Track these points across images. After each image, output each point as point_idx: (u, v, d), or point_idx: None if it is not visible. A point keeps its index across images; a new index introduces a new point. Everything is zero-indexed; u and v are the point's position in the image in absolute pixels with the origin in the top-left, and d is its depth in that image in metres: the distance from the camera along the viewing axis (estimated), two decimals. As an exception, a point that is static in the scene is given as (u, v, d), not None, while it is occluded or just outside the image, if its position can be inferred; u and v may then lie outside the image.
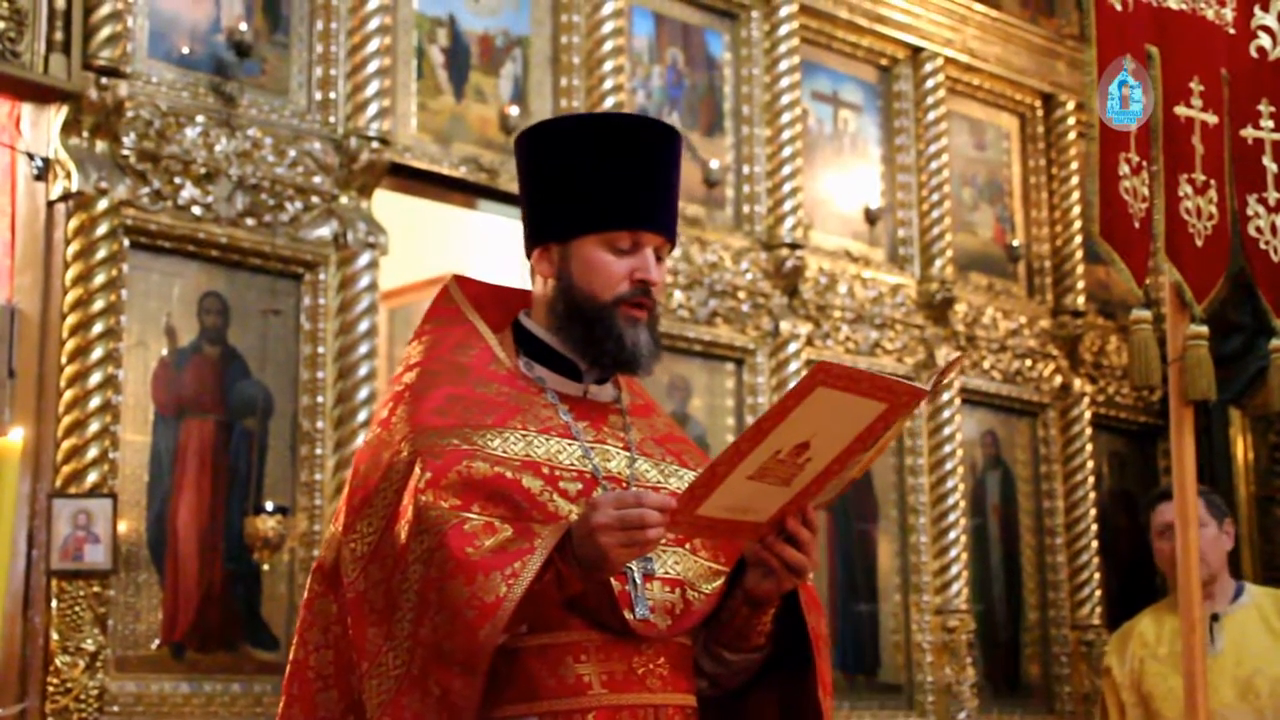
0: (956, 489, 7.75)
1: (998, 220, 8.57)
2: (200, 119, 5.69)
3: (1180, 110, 3.51)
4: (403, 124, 6.27)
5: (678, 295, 6.98)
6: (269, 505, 5.58)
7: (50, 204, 5.35)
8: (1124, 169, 3.35)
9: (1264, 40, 3.68)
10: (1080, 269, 8.63)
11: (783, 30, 7.45)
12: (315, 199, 5.93)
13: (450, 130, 6.43)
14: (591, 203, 2.46)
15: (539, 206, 2.54)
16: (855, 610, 7.53)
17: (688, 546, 2.46)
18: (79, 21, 5.37)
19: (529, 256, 2.55)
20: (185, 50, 5.76)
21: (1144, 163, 3.41)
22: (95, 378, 5.26)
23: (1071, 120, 8.72)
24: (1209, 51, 3.58)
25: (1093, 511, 8.40)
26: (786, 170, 7.36)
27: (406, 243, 6.56)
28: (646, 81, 7.14)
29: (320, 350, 5.88)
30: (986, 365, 8.20)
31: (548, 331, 2.52)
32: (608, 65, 6.75)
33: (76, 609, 5.15)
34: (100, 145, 5.43)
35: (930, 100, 8.07)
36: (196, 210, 5.64)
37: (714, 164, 7.24)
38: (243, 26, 5.84)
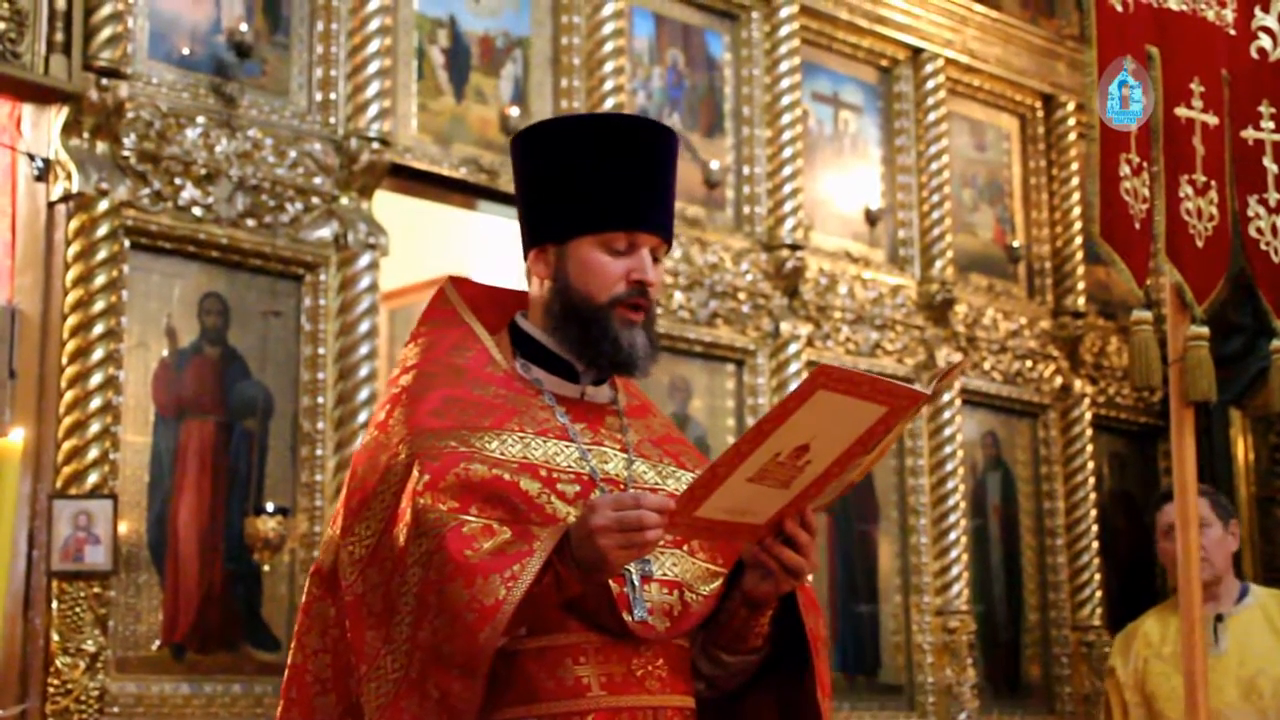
0: (957, 490, 7.75)
1: (998, 221, 8.57)
2: (201, 120, 5.69)
3: (1181, 111, 3.51)
4: (403, 125, 6.28)
5: (678, 296, 6.98)
6: (269, 506, 5.59)
7: (51, 205, 5.35)
8: (1124, 170, 3.35)
9: (1264, 41, 3.68)
10: (1081, 270, 8.63)
11: (783, 31, 7.45)
12: (316, 200, 5.93)
13: (451, 131, 6.43)
14: (587, 203, 2.45)
15: (535, 208, 2.53)
16: (856, 611, 7.53)
17: (685, 548, 2.45)
18: (79, 22, 5.37)
19: (526, 258, 2.54)
20: (186, 51, 5.77)
21: (1144, 164, 3.41)
22: (96, 378, 5.26)
23: (1072, 121, 8.73)
24: (1209, 52, 3.58)
25: (1093, 512, 8.41)
26: (787, 171, 7.36)
27: (407, 244, 6.56)
28: (647, 82, 7.14)
29: (321, 351, 5.88)
30: (987, 366, 8.20)
31: (544, 333, 2.52)
32: (608, 66, 6.75)
33: (77, 610, 5.15)
34: (101, 146, 5.43)
35: (930, 101, 8.07)
36: (197, 211, 5.64)
37: (714, 165, 7.24)
38: (243, 27, 5.84)
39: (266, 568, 5.62)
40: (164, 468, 5.51)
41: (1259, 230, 3.62)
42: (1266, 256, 3.61)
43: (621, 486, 2.42)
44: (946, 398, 7.77)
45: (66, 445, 5.21)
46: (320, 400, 5.85)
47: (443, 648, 2.20)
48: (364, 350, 5.90)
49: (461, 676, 2.19)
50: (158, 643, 5.44)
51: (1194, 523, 3.49)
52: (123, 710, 5.27)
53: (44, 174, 5.34)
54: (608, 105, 6.68)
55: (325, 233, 5.93)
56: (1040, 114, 8.77)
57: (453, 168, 6.38)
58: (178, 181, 5.61)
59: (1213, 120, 3.56)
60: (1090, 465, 8.45)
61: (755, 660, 2.49)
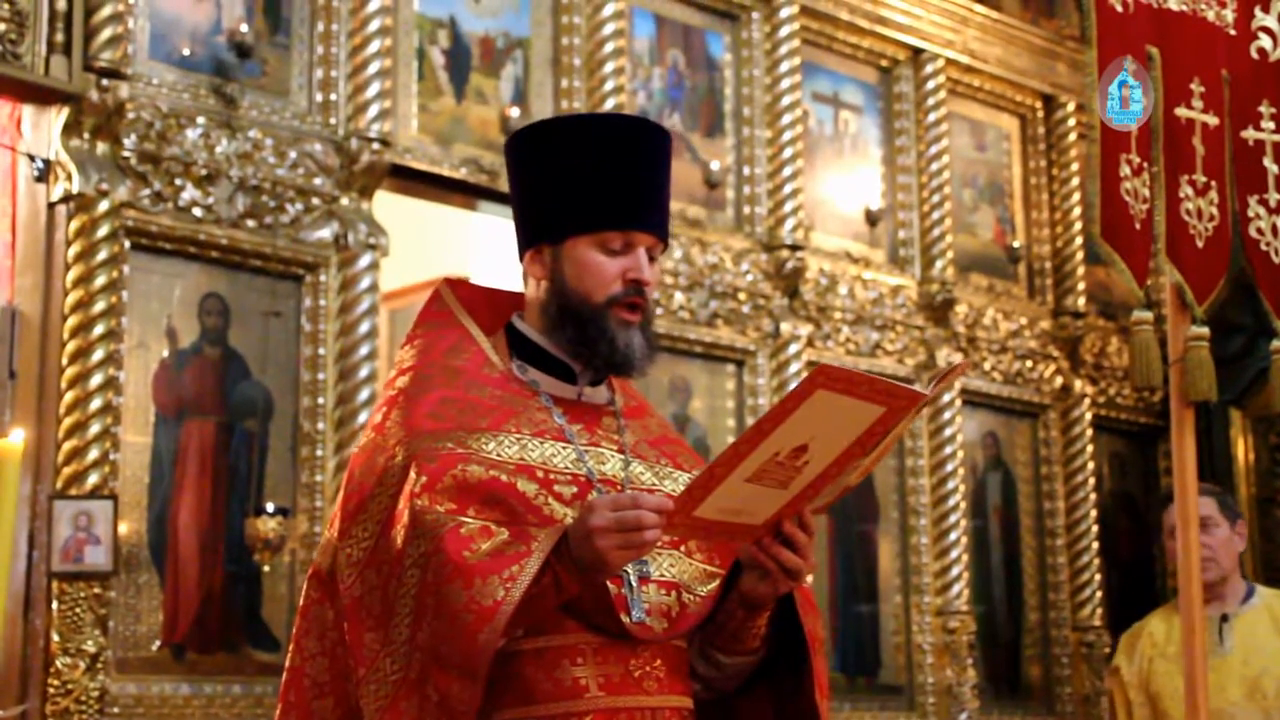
0: (957, 490, 7.75)
1: (998, 221, 8.57)
2: (201, 120, 5.69)
3: (1181, 111, 3.51)
4: (403, 125, 6.28)
5: (678, 297, 6.98)
6: (269, 507, 5.59)
7: (51, 205, 5.36)
8: (1125, 170, 3.35)
9: (1264, 41, 3.68)
10: (1081, 270, 8.63)
11: (783, 31, 7.45)
12: (316, 200, 5.93)
13: (451, 132, 6.43)
14: (583, 203, 2.45)
15: (530, 208, 2.53)
16: (856, 611, 7.53)
17: (683, 549, 2.45)
18: (80, 23, 5.37)
19: (521, 259, 2.54)
20: (186, 52, 5.77)
21: (1145, 164, 3.41)
22: (96, 379, 5.26)
23: (1072, 121, 8.73)
24: (1209, 53, 3.58)
25: (1093, 513, 8.41)
26: (787, 171, 7.36)
27: (407, 244, 6.56)
28: (647, 83, 7.14)
29: (321, 352, 5.88)
30: (987, 367, 8.19)
31: (541, 334, 2.51)
32: (608, 67, 6.75)
33: (77, 610, 5.15)
34: (101, 147, 5.43)
35: (931, 101, 8.07)
36: (197, 212, 5.64)
37: (714, 165, 7.24)
38: (243, 28, 5.84)
39: (267, 568, 5.62)
40: (164, 468, 5.51)
41: (1259, 230, 3.62)
42: (1267, 257, 3.62)
43: (618, 487, 2.42)
44: (947, 398, 7.77)
45: (67, 446, 5.21)
46: (320, 401, 5.85)
47: (441, 649, 2.20)
48: (364, 351, 5.90)
49: (460, 678, 2.18)
50: (158, 643, 5.44)
51: (1194, 523, 3.49)
52: (123, 711, 5.27)
53: (44, 175, 5.34)
54: (608, 106, 6.68)
55: (325, 233, 5.93)
56: (1040, 114, 8.76)
57: (453, 168, 6.38)
58: (178, 182, 5.61)
59: (1213, 120, 3.56)
60: (1090, 465, 8.45)
61: (753, 661, 2.49)
